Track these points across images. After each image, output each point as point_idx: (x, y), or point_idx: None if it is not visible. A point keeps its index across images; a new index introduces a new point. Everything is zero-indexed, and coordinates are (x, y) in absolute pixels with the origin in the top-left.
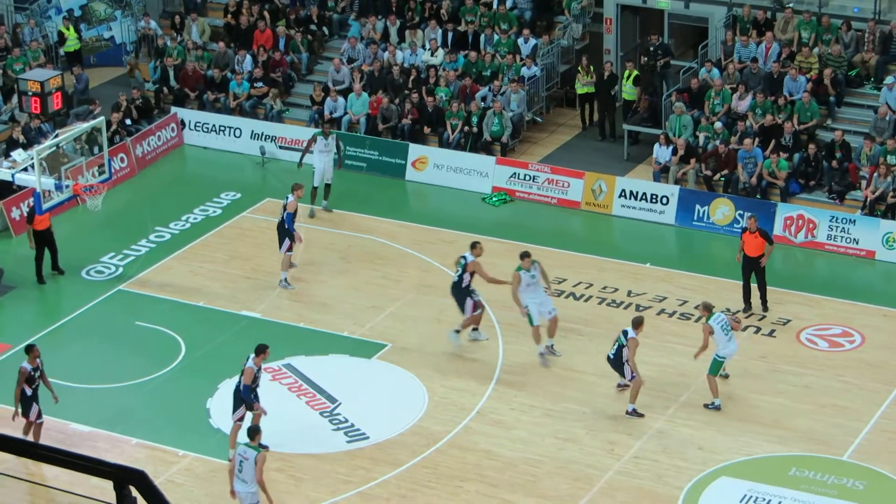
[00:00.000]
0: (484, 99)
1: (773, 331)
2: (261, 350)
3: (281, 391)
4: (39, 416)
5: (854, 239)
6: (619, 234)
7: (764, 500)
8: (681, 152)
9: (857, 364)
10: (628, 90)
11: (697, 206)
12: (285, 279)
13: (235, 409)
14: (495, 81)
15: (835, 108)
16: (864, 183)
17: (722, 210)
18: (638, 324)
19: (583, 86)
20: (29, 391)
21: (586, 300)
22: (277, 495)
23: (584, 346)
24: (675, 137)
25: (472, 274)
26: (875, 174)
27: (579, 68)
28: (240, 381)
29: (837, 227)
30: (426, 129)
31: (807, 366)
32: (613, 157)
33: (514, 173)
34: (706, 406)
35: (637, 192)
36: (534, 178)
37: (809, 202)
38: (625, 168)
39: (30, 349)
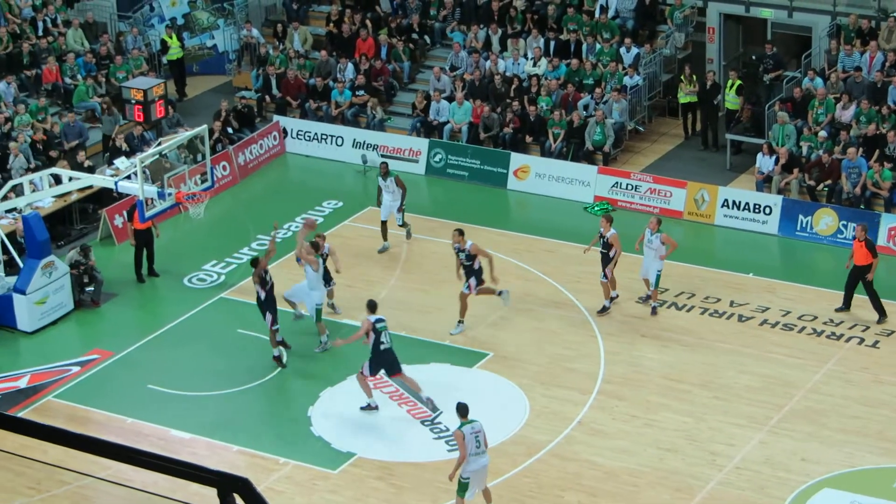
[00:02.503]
0: (586, 108)
1: (876, 342)
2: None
3: (382, 399)
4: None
5: None
6: (722, 244)
7: None
8: (783, 161)
9: None
10: (731, 99)
11: (800, 217)
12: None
13: None
14: (597, 90)
15: None
16: None
17: (825, 220)
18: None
19: (685, 95)
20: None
21: (688, 310)
22: (377, 503)
23: (687, 356)
24: (777, 147)
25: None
26: None
27: (682, 77)
28: None
29: None
30: (528, 138)
31: None
32: (716, 167)
33: (616, 182)
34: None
35: (740, 202)
36: (636, 188)
37: None
38: (727, 178)
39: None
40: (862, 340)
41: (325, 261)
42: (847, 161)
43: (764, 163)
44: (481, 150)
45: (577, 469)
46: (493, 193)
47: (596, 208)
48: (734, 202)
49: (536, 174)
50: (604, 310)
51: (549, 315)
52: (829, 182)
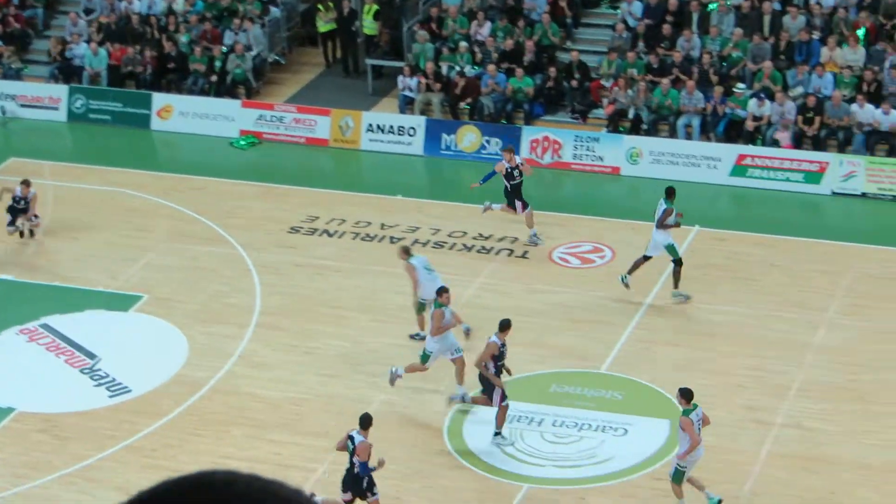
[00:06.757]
0: (224, 45)
1: (525, 252)
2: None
3: (38, 351)
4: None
5: (599, 156)
6: (369, 168)
7: (526, 418)
8: (428, 81)
9: (609, 278)
10: (369, 25)
11: (444, 135)
12: (535, 234)
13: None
14: (235, 20)
15: (572, 30)
16: (605, 101)
17: (469, 137)
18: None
19: (324, 23)
20: (493, 368)
21: (340, 236)
22: (43, 456)
23: (342, 282)
24: (421, 74)
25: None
26: (616, 88)
27: (319, 6)
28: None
29: (582, 145)
30: (169, 77)
31: (561, 284)
32: (359, 93)
33: (261, 115)
34: None
35: (384, 126)
36: (280, 119)
37: (554, 123)
38: (370, 102)
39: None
40: (511, 252)
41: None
42: (487, 76)
43: (406, 84)
44: (122, 93)
45: (240, 403)
46: (138, 135)
47: (242, 142)
48: (378, 126)
49: (180, 113)
50: None
51: (203, 253)
52: (470, 100)
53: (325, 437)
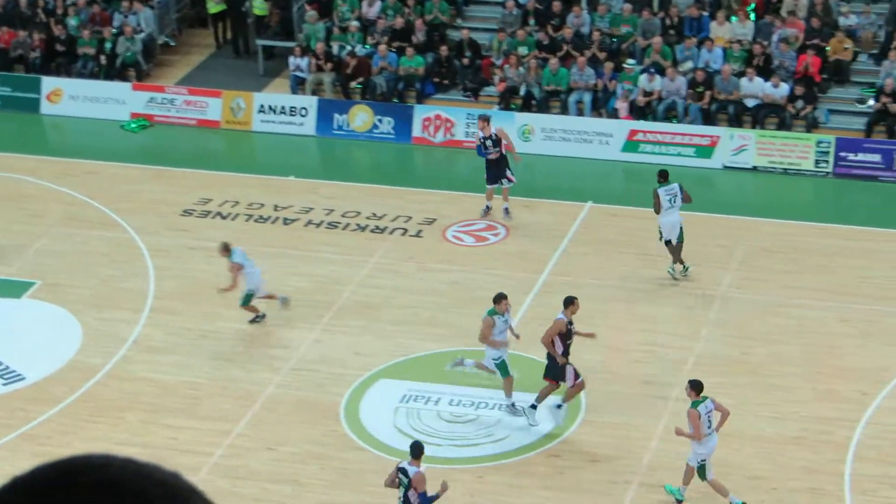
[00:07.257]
0: (114, 27)
1: (419, 231)
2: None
3: None
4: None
5: None
6: (261, 150)
7: (423, 397)
8: (319, 61)
9: (503, 256)
10: (259, 5)
11: (336, 115)
12: (486, 209)
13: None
14: (124, 2)
15: (463, 8)
16: (496, 78)
17: (361, 117)
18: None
19: (214, 4)
20: (561, 348)
21: (233, 218)
22: None
23: None
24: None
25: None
26: (507, 65)
27: None
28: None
29: (474, 123)
30: (58, 61)
31: (455, 262)
32: (250, 74)
33: (152, 98)
34: None
35: (275, 107)
36: (172, 101)
37: (446, 101)
38: (262, 83)
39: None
40: (405, 231)
41: None
42: (378, 56)
43: (297, 65)
44: (11, 77)
45: (135, 388)
46: (28, 119)
47: (133, 125)
48: (270, 107)
49: (70, 96)
50: None
51: (95, 237)
52: (361, 79)
53: (222, 420)
